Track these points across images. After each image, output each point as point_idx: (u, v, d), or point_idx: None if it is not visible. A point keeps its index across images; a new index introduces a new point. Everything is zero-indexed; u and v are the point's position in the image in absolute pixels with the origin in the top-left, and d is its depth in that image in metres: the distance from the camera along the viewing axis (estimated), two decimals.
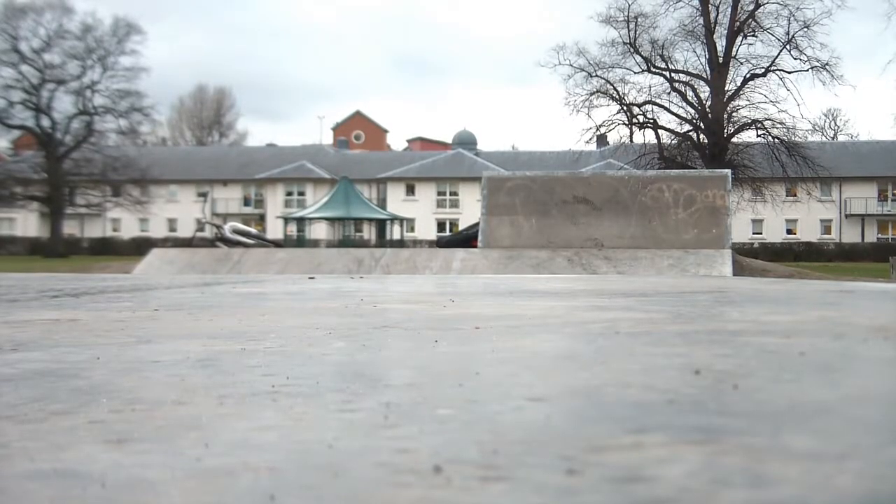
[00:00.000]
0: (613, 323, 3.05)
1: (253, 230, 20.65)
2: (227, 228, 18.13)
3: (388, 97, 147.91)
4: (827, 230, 61.09)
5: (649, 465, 1.09)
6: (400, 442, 1.24)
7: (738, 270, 11.82)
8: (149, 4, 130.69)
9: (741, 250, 29.39)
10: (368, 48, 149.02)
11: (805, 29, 38.00)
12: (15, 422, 1.43)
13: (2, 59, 55.06)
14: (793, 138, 38.27)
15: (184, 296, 5.00)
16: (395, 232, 52.41)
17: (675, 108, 39.91)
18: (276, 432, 1.33)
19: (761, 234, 59.41)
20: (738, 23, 38.72)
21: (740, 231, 51.79)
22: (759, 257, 28.31)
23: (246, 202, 68.66)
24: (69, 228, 62.58)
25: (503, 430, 1.31)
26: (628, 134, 40.23)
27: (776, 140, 38.17)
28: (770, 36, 38.87)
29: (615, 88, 39.83)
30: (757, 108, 38.63)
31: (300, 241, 50.54)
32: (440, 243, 24.85)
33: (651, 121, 40.05)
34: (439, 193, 65.51)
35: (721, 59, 38.73)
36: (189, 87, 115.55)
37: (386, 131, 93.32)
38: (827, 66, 37.90)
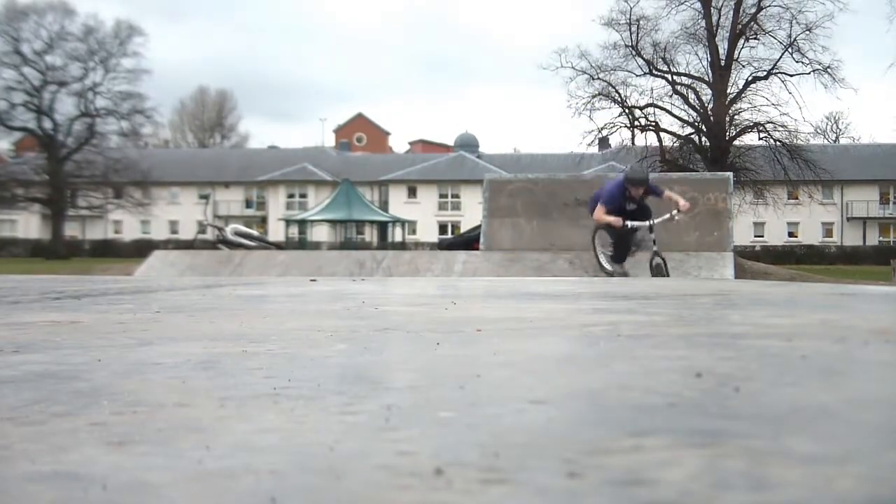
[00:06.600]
0: (615, 326, 3.04)
1: (254, 232, 20.66)
2: (229, 230, 18.15)
3: (390, 99, 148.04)
4: (828, 233, 61.06)
5: (651, 468, 1.09)
6: (401, 444, 1.24)
7: (740, 273, 11.81)
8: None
9: (743, 253, 29.36)
10: (374, 51, 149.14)
11: (807, 32, 38.06)
12: (16, 423, 1.43)
13: (3, 61, 55.22)
14: (794, 141, 38.31)
15: (185, 298, 5.00)
16: (397, 234, 52.45)
17: (676, 111, 39.99)
18: (277, 434, 1.33)
19: (763, 236, 59.39)
20: (740, 25, 38.76)
21: (742, 234, 51.78)
22: (761, 260, 28.30)
23: (247, 204, 68.69)
24: (70, 230, 62.60)
25: (504, 432, 1.31)
26: (630, 137, 40.32)
27: (778, 143, 38.19)
28: (772, 39, 38.93)
29: (617, 91, 39.90)
30: (759, 110, 38.69)
31: (302, 244, 50.58)
32: (442, 246, 24.88)
33: (653, 123, 40.10)
34: (441, 196, 65.52)
35: (723, 62, 38.75)
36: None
37: (388, 133, 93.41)
38: (829, 69, 37.95)
